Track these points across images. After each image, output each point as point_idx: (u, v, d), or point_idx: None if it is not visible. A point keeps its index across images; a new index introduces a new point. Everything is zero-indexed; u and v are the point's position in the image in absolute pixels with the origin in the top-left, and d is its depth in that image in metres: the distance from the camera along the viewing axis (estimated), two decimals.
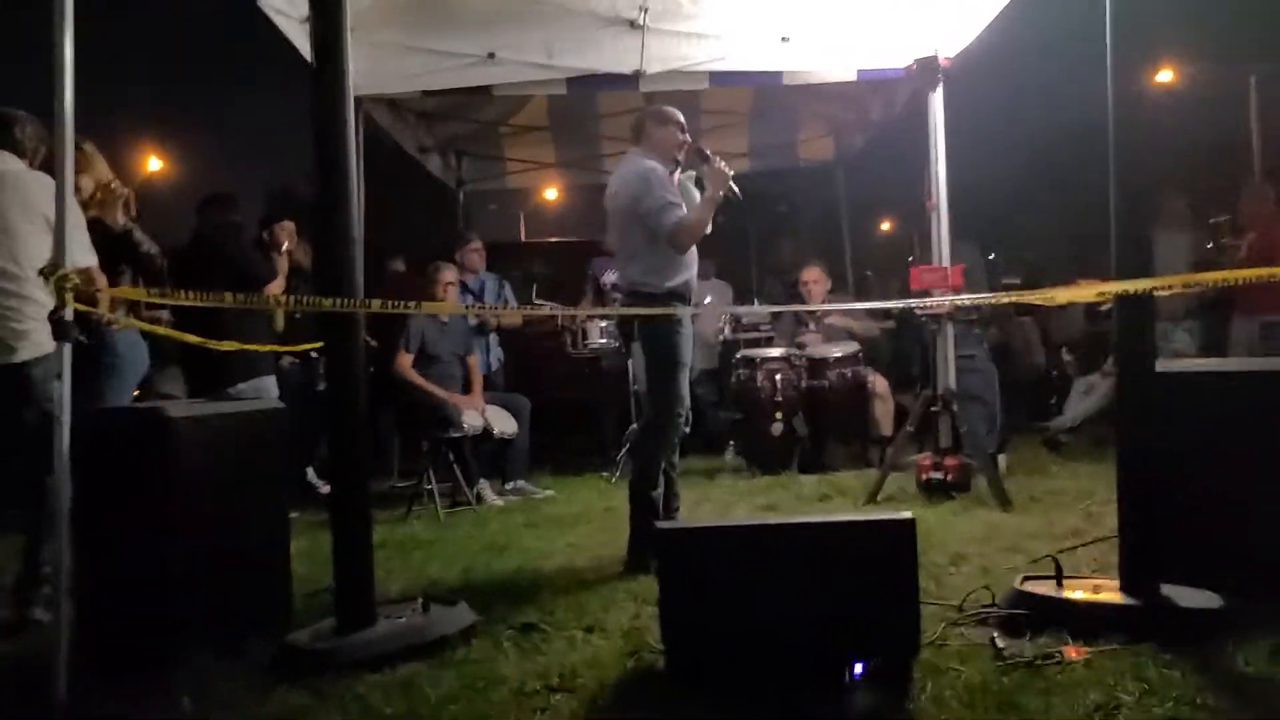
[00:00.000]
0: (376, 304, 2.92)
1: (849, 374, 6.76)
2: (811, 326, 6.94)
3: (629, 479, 4.41)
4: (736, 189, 4.36)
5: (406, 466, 6.91)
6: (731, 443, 7.41)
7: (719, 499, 5.93)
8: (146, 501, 3.04)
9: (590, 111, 8.47)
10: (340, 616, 3.15)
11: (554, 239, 12.90)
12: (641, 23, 5.78)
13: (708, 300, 8.23)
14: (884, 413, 6.91)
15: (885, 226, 26.55)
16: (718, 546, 2.71)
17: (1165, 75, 18.38)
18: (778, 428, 6.60)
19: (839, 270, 9.01)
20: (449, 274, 6.53)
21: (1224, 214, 8.93)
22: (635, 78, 6.11)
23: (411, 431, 6.36)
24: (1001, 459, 6.18)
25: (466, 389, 6.54)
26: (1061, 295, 4.42)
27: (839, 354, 6.79)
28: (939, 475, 5.39)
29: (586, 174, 9.90)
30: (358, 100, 6.03)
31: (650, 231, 4.24)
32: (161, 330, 4.11)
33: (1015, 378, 8.29)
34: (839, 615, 2.64)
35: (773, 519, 3.23)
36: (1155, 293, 7.47)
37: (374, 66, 5.86)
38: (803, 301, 7.47)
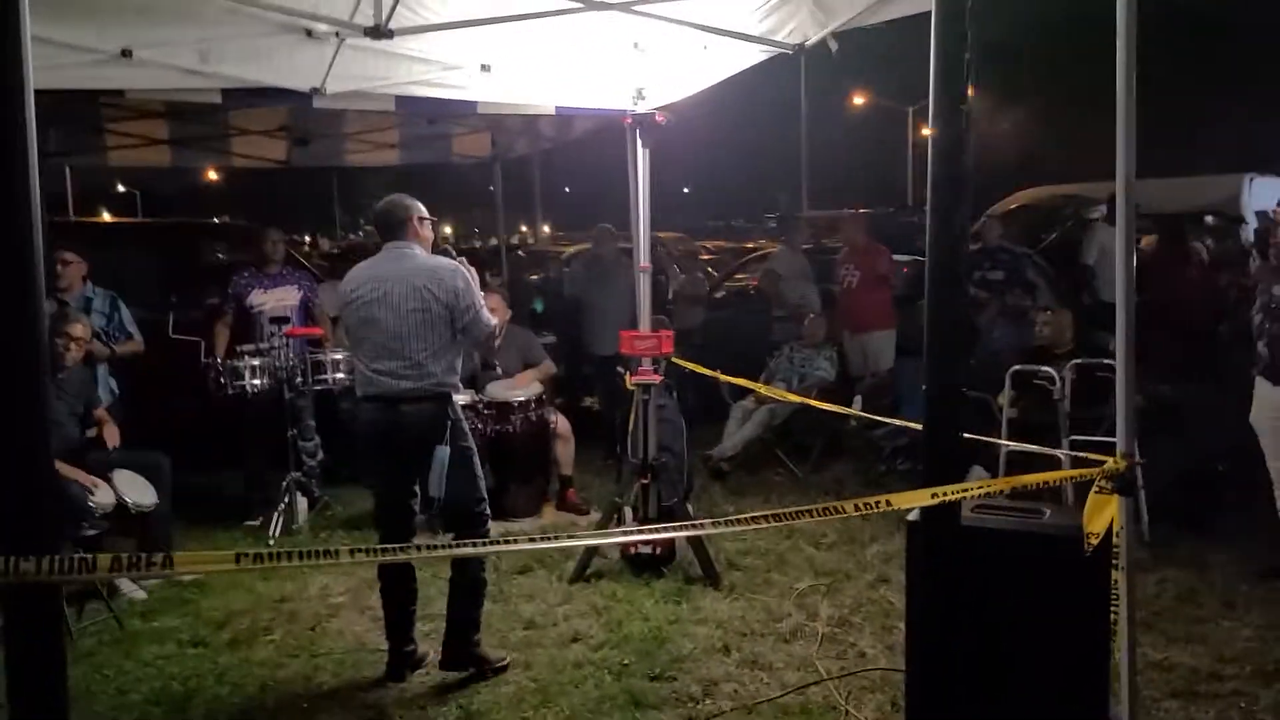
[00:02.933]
0: None
1: (533, 417, 6.43)
2: (498, 370, 6.51)
3: (467, 575, 4.18)
4: None
5: None
6: None
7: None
8: None
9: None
10: None
11: (170, 219, 11.19)
12: (322, 35, 4.94)
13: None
14: (565, 452, 6.69)
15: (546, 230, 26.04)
16: None
17: None
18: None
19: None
20: (79, 327, 5.28)
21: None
22: (309, 94, 5.27)
23: None
24: (689, 508, 6.20)
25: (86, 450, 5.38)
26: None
27: (522, 398, 6.42)
28: (648, 550, 5.27)
29: (208, 155, 8.59)
30: None
31: (453, 331, 4.11)
32: None
33: None
34: None
35: None
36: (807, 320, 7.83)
37: None
38: None
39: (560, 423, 6.69)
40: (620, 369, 5.85)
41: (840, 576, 5.24)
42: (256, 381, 6.20)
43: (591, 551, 5.29)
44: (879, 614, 4.70)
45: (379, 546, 3.97)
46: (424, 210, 4.24)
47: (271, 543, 5.99)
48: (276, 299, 6.74)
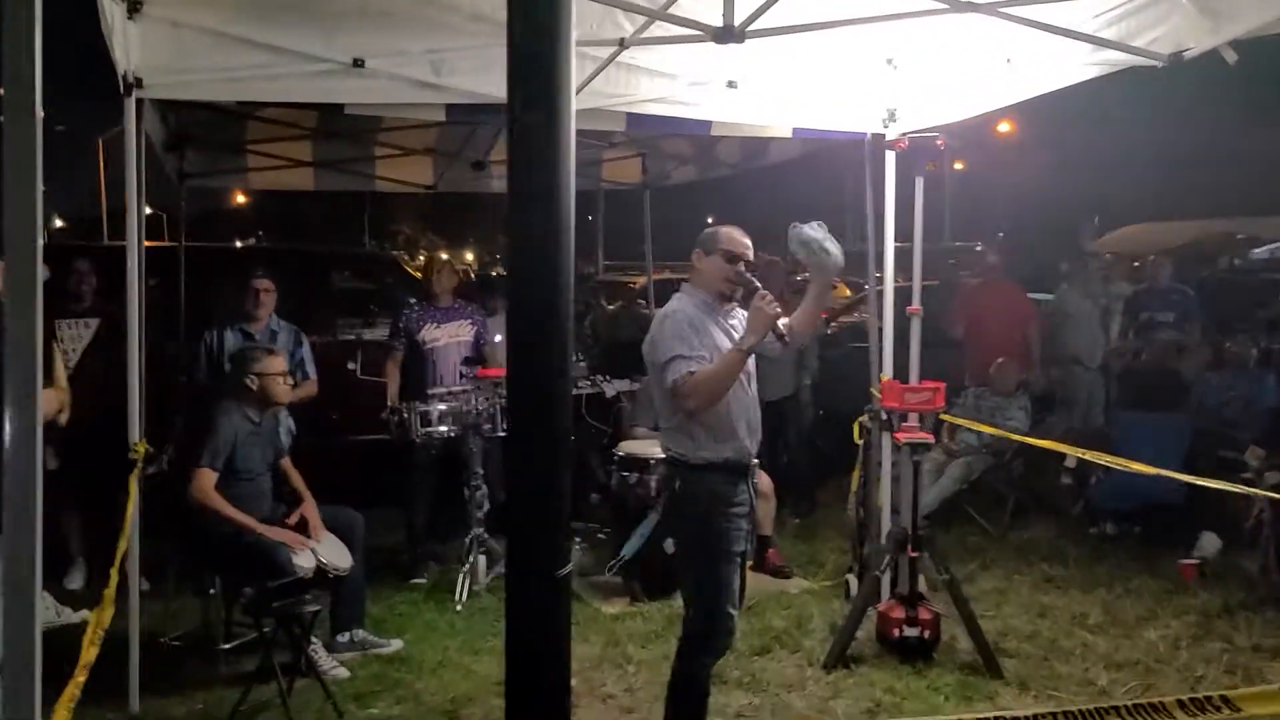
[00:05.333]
0: None
1: None
2: None
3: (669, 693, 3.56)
4: (783, 331, 3.34)
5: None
6: (580, 540, 6.22)
7: (646, 663, 4.73)
8: None
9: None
10: None
11: (293, 246, 10.71)
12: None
13: (498, 339, 6.94)
14: (766, 512, 6.05)
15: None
16: None
17: None
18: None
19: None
20: (279, 361, 4.75)
21: None
22: None
23: (223, 581, 4.55)
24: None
25: (275, 504, 4.84)
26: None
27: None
28: (915, 632, 4.61)
29: (351, 178, 8.05)
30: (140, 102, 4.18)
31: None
32: None
33: None
34: None
35: None
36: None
37: (175, 60, 4.01)
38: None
39: (763, 480, 6.04)
40: (865, 422, 5.24)
41: (1137, 669, 4.56)
42: (444, 428, 5.62)
43: (851, 633, 4.64)
44: None
45: None
46: (716, 242, 3.51)
47: (459, 609, 5.39)
48: (450, 334, 6.18)
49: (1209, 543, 6.32)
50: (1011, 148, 27.76)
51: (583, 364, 7.24)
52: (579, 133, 5.71)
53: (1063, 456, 7.20)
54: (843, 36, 4.33)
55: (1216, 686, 4.34)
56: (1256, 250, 10.09)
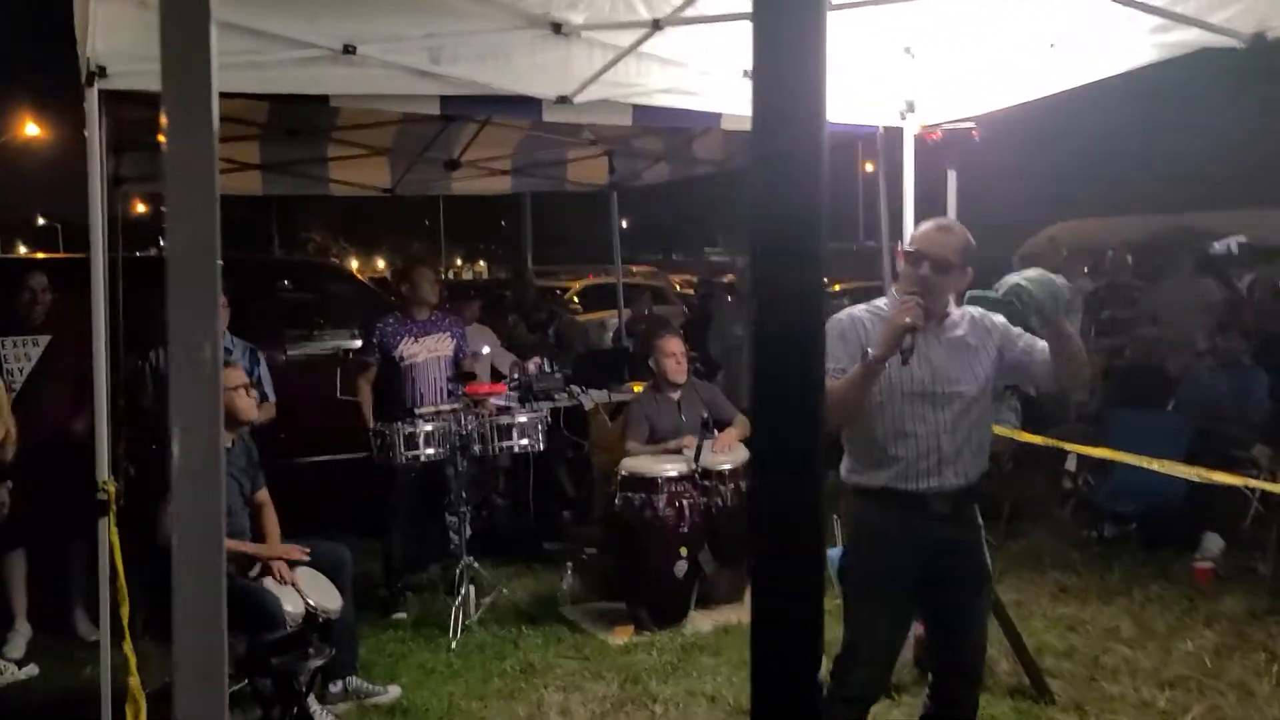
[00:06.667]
0: None
1: (744, 487, 5.47)
2: (716, 433, 5.52)
3: None
4: (911, 345, 2.90)
5: None
6: (570, 565, 5.82)
7: (672, 701, 4.36)
8: None
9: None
10: None
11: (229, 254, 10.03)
12: (571, 30, 4.00)
13: (485, 351, 6.57)
14: None
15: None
16: None
17: None
18: (682, 567, 5.14)
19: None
20: (238, 374, 4.28)
21: None
22: (540, 104, 4.33)
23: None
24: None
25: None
26: None
27: (730, 466, 5.42)
28: None
29: (302, 181, 7.51)
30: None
31: None
32: None
33: None
34: None
35: None
36: None
37: (142, 47, 3.50)
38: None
39: None
40: None
41: (1190, 687, 4.34)
42: (431, 450, 5.17)
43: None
44: None
45: None
46: (910, 239, 3.19)
47: (454, 646, 4.95)
48: (429, 349, 5.71)
49: (1212, 543, 6.19)
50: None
51: (559, 375, 6.86)
52: (547, 128, 5.31)
53: (1057, 458, 7.08)
54: (859, 23, 4.03)
55: (1276, 703, 4.15)
56: (1216, 245, 10.14)
